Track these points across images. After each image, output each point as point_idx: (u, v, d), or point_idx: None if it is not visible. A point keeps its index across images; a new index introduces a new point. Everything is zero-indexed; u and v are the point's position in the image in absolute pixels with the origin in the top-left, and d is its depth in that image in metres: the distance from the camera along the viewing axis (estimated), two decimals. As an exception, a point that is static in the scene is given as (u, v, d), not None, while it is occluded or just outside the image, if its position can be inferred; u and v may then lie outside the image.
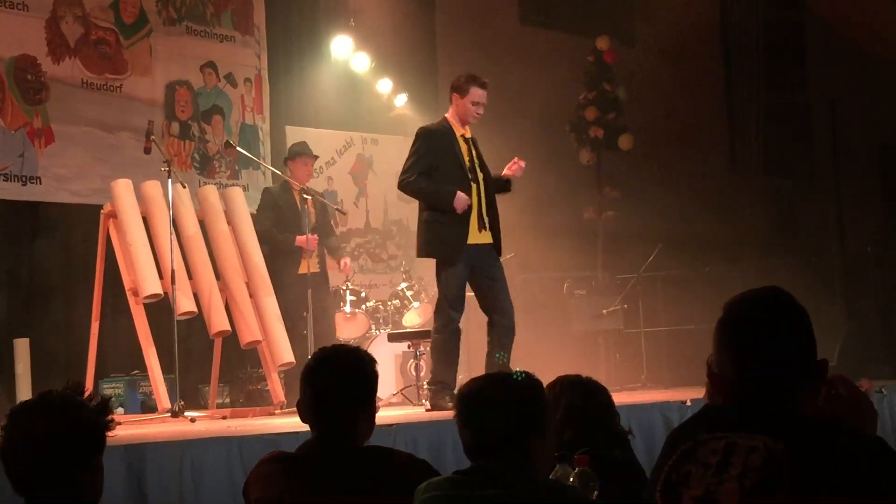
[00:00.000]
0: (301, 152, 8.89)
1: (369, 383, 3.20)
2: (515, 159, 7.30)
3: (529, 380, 2.80)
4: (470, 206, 7.05)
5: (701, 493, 2.15)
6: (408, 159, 7.23)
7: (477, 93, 7.23)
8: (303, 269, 8.35)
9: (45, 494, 2.61)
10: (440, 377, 7.14)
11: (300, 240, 8.37)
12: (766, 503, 2.09)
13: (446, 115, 7.33)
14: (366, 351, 3.31)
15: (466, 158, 7.18)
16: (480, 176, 7.20)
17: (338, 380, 3.15)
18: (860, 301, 11.39)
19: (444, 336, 7.19)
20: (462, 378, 7.84)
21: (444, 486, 2.72)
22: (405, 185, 7.22)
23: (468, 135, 7.28)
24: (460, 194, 6.98)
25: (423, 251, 7.35)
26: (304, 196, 8.36)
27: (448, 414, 6.56)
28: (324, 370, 3.18)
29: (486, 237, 7.17)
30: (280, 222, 8.60)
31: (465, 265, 7.10)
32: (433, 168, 7.13)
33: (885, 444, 2.23)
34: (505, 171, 7.29)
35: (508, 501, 2.60)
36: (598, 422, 3.59)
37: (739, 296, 2.39)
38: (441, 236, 7.13)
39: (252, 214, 8.60)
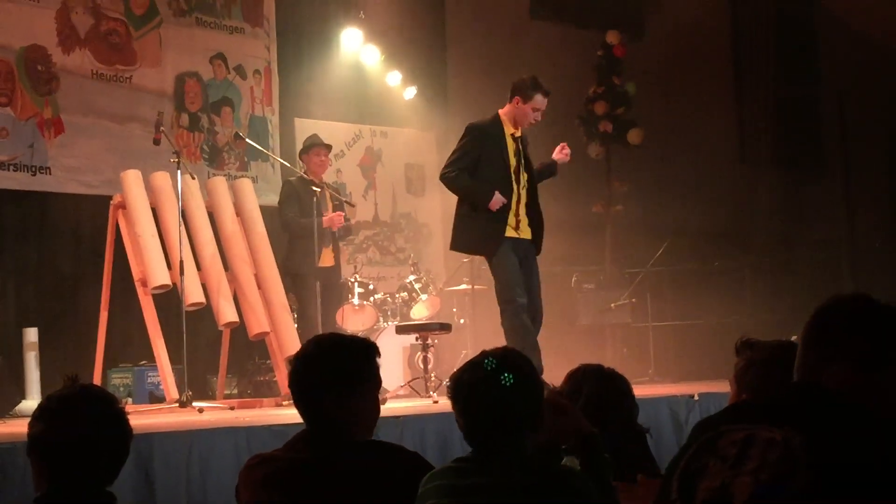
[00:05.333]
0: (313, 144, 8.90)
1: (358, 373, 3.02)
2: (563, 144, 7.39)
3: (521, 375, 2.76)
4: (506, 205, 7.05)
5: (717, 485, 2.16)
6: (453, 153, 7.23)
7: (540, 100, 7.18)
8: (324, 262, 8.38)
9: (76, 483, 2.64)
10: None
11: (326, 219, 8.40)
12: (780, 497, 2.09)
13: (500, 111, 7.27)
14: (366, 340, 3.16)
15: (513, 158, 7.17)
16: (524, 177, 7.21)
17: (321, 368, 3.01)
18: (870, 294, 11.36)
19: (508, 316, 7.04)
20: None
21: (447, 474, 2.72)
22: (446, 180, 7.20)
23: (518, 133, 7.25)
24: (497, 195, 6.99)
25: (457, 245, 7.39)
26: (314, 188, 8.34)
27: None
28: (307, 357, 3.05)
29: (524, 233, 7.18)
30: (301, 213, 8.62)
31: (513, 253, 7.08)
32: (477, 165, 7.12)
33: None
34: (555, 155, 7.36)
35: (511, 487, 2.61)
36: (619, 411, 3.57)
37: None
38: (478, 231, 7.13)
39: (264, 207, 8.63)
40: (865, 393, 2.28)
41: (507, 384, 2.68)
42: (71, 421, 2.64)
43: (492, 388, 2.68)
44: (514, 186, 7.11)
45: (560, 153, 7.35)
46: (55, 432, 2.64)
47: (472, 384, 2.73)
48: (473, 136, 7.18)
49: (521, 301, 7.02)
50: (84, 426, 2.63)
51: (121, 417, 2.71)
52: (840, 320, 2.36)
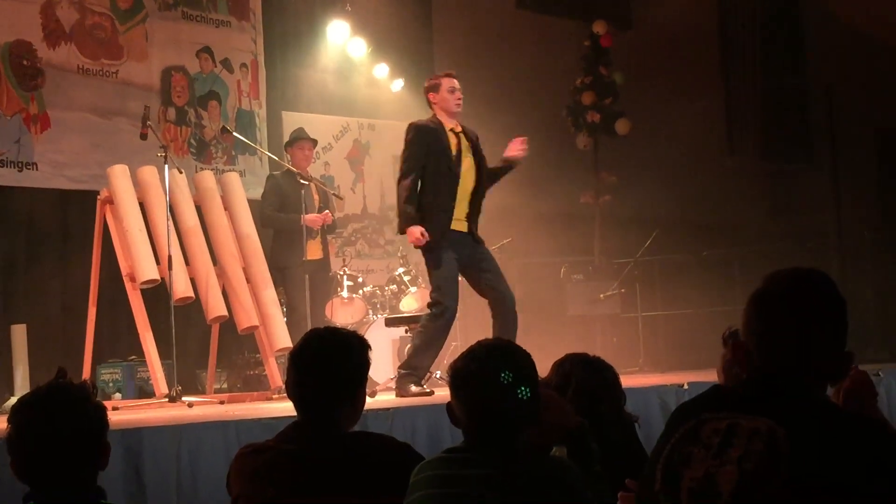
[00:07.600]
0: (298, 137, 8.93)
1: (356, 368, 3.10)
2: (517, 139, 7.28)
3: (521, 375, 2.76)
4: (450, 197, 7.02)
5: (701, 475, 2.15)
6: (404, 154, 7.17)
7: (449, 81, 7.22)
8: (312, 255, 8.39)
9: (56, 479, 2.63)
10: (416, 362, 6.96)
11: (308, 219, 8.38)
12: (764, 488, 2.09)
13: (434, 114, 7.27)
14: (359, 335, 3.20)
15: (454, 151, 7.14)
16: (461, 169, 7.14)
17: (322, 362, 3.06)
18: (857, 285, 11.39)
19: (436, 325, 7.06)
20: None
21: (439, 464, 2.72)
22: (399, 184, 7.17)
23: (458, 129, 7.23)
24: (411, 230, 6.94)
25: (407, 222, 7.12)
26: (302, 181, 8.38)
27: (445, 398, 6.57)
28: (309, 352, 3.10)
29: (461, 226, 7.13)
30: (284, 208, 8.63)
31: (451, 253, 7.02)
32: (425, 164, 7.07)
33: (886, 425, 2.24)
34: (505, 154, 7.27)
35: (502, 478, 2.61)
36: (606, 400, 3.57)
37: (783, 271, 2.39)
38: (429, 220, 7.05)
39: (252, 200, 8.62)
40: (817, 376, 2.29)
41: (507, 381, 2.68)
42: (37, 420, 2.64)
43: (491, 384, 2.68)
44: (458, 180, 7.10)
45: (511, 150, 7.26)
46: (26, 436, 2.65)
47: (470, 377, 2.73)
48: (417, 133, 7.13)
49: (452, 312, 7.06)
50: (51, 423, 2.62)
51: (89, 411, 2.70)
52: (784, 303, 2.35)
